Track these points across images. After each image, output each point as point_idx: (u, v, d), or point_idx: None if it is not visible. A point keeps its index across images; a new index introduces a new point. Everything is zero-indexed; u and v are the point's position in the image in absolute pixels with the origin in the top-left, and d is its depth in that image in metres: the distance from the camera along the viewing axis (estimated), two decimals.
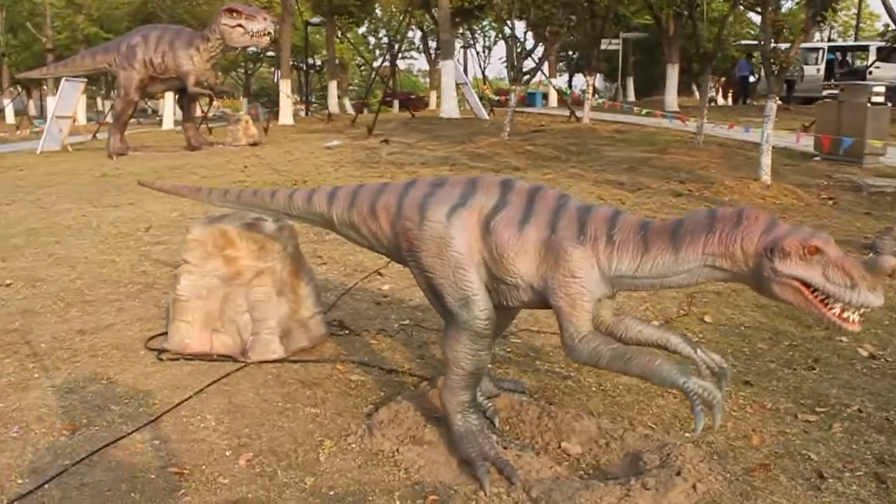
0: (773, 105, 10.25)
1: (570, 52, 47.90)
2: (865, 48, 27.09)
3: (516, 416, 4.16)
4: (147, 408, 4.45)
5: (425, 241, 3.64)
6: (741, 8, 17.23)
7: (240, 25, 18.41)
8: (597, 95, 33.09)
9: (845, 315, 2.97)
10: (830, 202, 10.28)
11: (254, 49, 52.00)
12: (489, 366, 4.46)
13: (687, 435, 3.98)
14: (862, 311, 2.93)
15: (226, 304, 5.24)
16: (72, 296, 6.75)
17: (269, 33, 18.35)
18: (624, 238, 3.35)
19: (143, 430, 4.16)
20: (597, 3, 18.32)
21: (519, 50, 17.30)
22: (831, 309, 2.97)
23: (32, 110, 49.02)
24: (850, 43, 30.65)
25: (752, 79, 29.07)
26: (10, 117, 38.84)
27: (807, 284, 2.98)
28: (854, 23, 37.96)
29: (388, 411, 4.15)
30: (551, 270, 3.42)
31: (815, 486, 3.51)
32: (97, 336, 5.69)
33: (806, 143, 14.52)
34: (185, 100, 20.56)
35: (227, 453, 3.94)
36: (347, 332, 5.66)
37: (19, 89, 45.03)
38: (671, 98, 25.01)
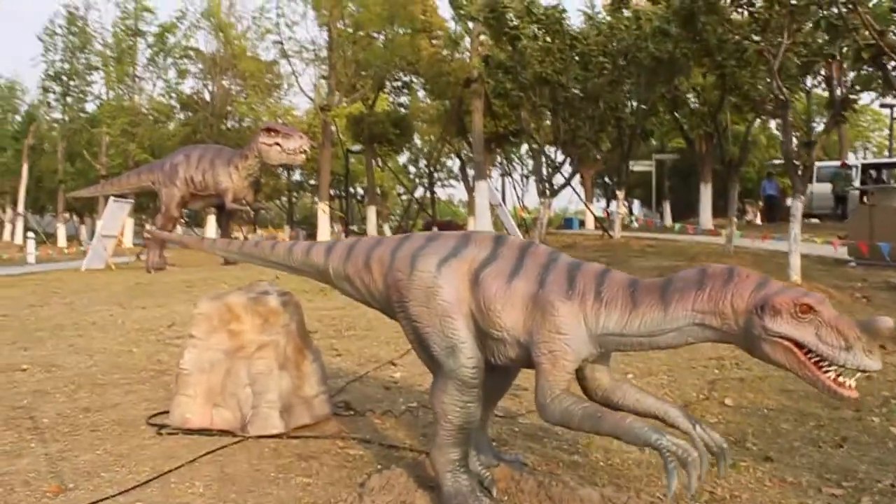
0: (798, 204, 10.14)
1: (607, 178, 48.62)
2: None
3: (515, 485, 3.92)
4: (136, 475, 4.30)
5: (414, 290, 3.56)
6: (764, 118, 17.37)
7: (277, 144, 19.13)
8: (632, 217, 33.28)
9: (841, 380, 2.77)
10: (864, 300, 9.98)
11: (298, 177, 53.69)
12: (490, 438, 4.26)
13: None
14: (857, 375, 2.74)
15: (228, 378, 5.14)
16: (84, 379, 6.70)
17: (304, 151, 18.96)
18: (613, 294, 3.23)
19: (128, 493, 4.00)
20: (623, 119, 18.62)
21: (547, 164, 17.55)
22: (826, 372, 2.78)
23: (83, 234, 50.68)
24: (884, 160, 30.60)
25: (781, 198, 29.10)
26: (61, 240, 40.07)
27: (799, 345, 2.80)
28: (888, 143, 38.09)
29: (381, 478, 3.95)
30: (538, 325, 3.29)
31: None
32: (101, 413, 5.60)
33: (842, 251, 14.29)
34: (224, 217, 21.13)
35: None
36: (352, 412, 5.49)
37: (71, 216, 46.78)
38: (706, 217, 24.98)
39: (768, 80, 11.45)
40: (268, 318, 5.20)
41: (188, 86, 58.60)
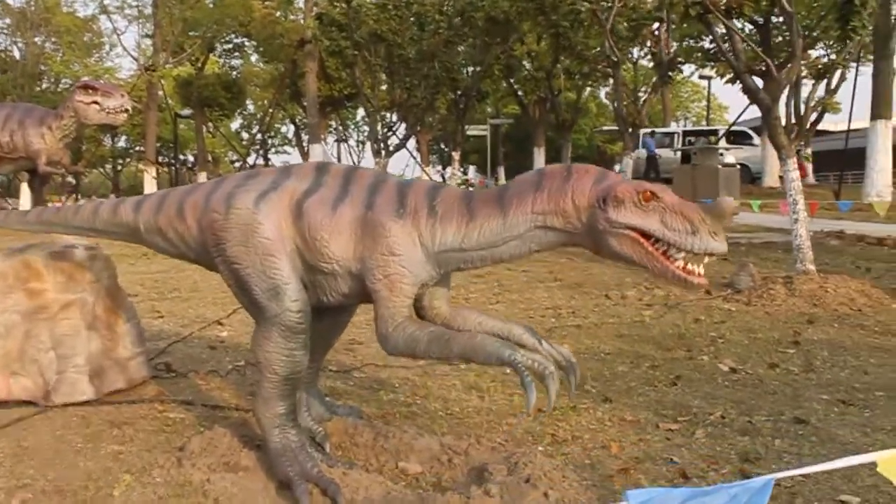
0: (628, 160, 10.41)
1: (443, 145, 48.97)
2: (716, 132, 28.82)
3: (350, 439, 3.67)
4: None
5: (231, 230, 3.19)
6: (593, 85, 17.84)
7: (95, 102, 17.76)
8: (465, 179, 33.64)
9: (690, 267, 2.66)
10: None
11: (123, 143, 50.71)
12: (321, 389, 3.98)
13: (540, 448, 3.58)
14: (705, 259, 2.66)
15: (27, 342, 4.55)
16: None
17: (126, 110, 17.70)
18: (447, 208, 2.99)
19: None
20: (459, 80, 18.59)
21: (382, 124, 17.27)
22: (674, 262, 2.67)
23: None
24: (703, 128, 32.46)
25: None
26: None
27: (645, 235, 2.67)
28: (705, 113, 40.52)
29: (202, 440, 3.58)
30: (369, 250, 3.02)
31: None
32: None
33: None
34: (37, 181, 19.47)
35: (1, 495, 3.26)
36: (174, 374, 5.05)
37: None
38: None
39: (601, 42, 11.67)
40: (72, 274, 4.66)
41: None
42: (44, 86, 38.64)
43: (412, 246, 2.99)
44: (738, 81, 9.19)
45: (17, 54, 37.47)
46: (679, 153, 25.30)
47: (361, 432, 3.69)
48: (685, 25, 10.16)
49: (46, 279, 4.62)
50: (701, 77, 32.55)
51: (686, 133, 28.94)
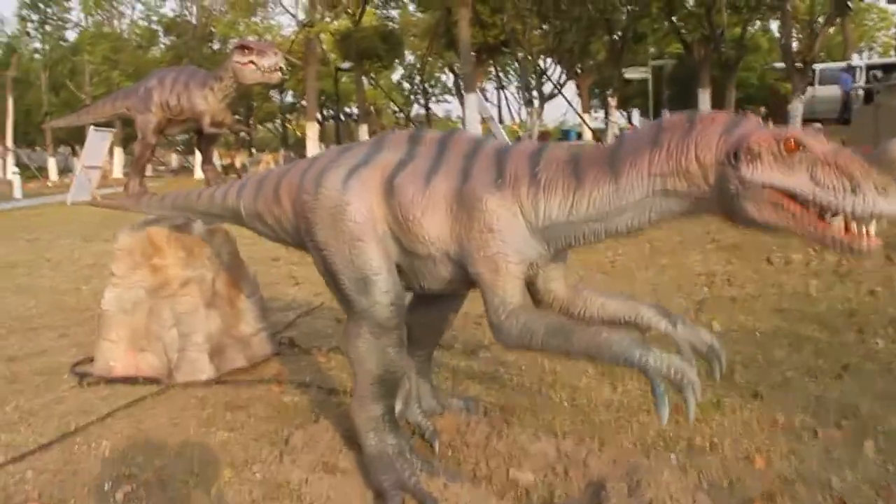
0: (799, 105, 9.40)
1: (605, 90, 47.32)
2: None
3: (461, 438, 3.38)
4: (40, 437, 3.76)
5: (319, 212, 2.91)
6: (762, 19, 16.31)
7: (251, 62, 18.25)
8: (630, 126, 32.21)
9: (854, 228, 2.07)
10: None
11: (290, 99, 52.44)
12: (433, 378, 3.69)
13: (672, 457, 3.14)
14: (873, 224, 2.06)
15: (151, 319, 4.56)
16: (18, 324, 6.19)
17: (280, 68, 18.09)
18: (551, 174, 2.56)
19: (19, 461, 3.46)
20: (614, 22, 17.58)
21: (533, 71, 16.63)
22: (831, 224, 2.09)
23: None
24: (889, 60, 29.33)
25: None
26: (53, 173, 39.25)
27: (790, 195, 2.12)
28: (894, 43, 36.74)
29: (304, 434, 3.43)
30: (466, 229, 2.64)
31: None
32: (25, 362, 5.09)
33: None
34: (203, 142, 20.36)
35: (107, 485, 3.22)
36: (297, 350, 4.93)
37: (62, 148, 45.91)
38: None
39: None
40: (192, 249, 4.61)
41: (170, 8, 56.81)
42: (215, 47, 40.37)
43: (513, 220, 2.59)
44: None
45: (192, 19, 39.28)
46: (861, 92, 23.03)
47: (474, 430, 3.40)
48: None
49: (168, 255, 4.59)
50: (889, 1, 29.36)
51: (870, 67, 26.28)
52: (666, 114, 31.93)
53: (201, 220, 4.34)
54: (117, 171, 34.10)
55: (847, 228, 2.08)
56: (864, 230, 2.08)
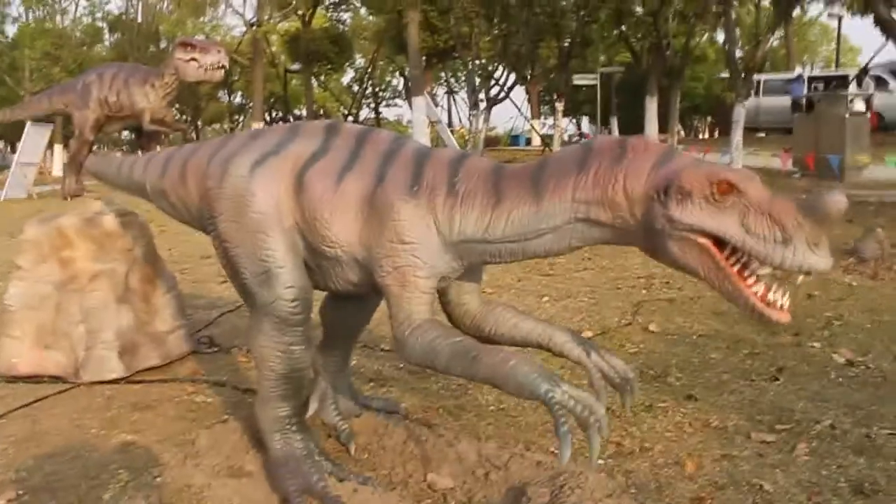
0: (741, 110, 9.42)
1: (554, 96, 47.53)
2: (844, 77, 26.42)
3: (378, 441, 3.18)
4: None
5: (223, 200, 2.70)
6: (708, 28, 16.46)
7: (194, 59, 17.74)
8: (581, 133, 32.35)
9: (771, 297, 1.99)
10: None
11: (240, 100, 51.68)
12: (351, 379, 3.48)
13: (600, 462, 2.97)
14: (800, 278, 1.96)
15: (58, 314, 4.27)
16: None
17: (223, 66, 17.65)
18: (470, 187, 2.38)
19: None
20: (563, 27, 17.57)
21: (480, 75, 16.52)
22: (751, 285, 1.98)
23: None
24: (831, 73, 29.97)
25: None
26: None
27: (718, 241, 2.00)
28: (835, 56, 37.55)
29: (210, 436, 3.19)
30: (376, 235, 2.45)
31: None
32: None
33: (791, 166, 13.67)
34: (144, 140, 19.75)
35: None
36: (216, 349, 4.68)
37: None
38: (651, 131, 24.16)
39: None
40: (103, 242, 4.33)
41: (115, 5, 55.67)
42: (161, 46, 39.58)
43: (426, 231, 2.40)
44: (870, 12, 8.03)
45: (138, 17, 38.43)
46: (804, 101, 23.44)
47: (392, 433, 3.20)
48: None
49: (78, 247, 4.32)
50: (830, 15, 30.07)
51: (812, 79, 26.77)
52: (614, 121, 32.19)
53: (120, 190, 4.08)
54: (56, 169, 33.13)
55: (764, 295, 2.00)
56: (778, 300, 2.00)
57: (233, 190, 2.66)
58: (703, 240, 2.01)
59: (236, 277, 2.72)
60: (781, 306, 2.01)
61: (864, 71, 21.55)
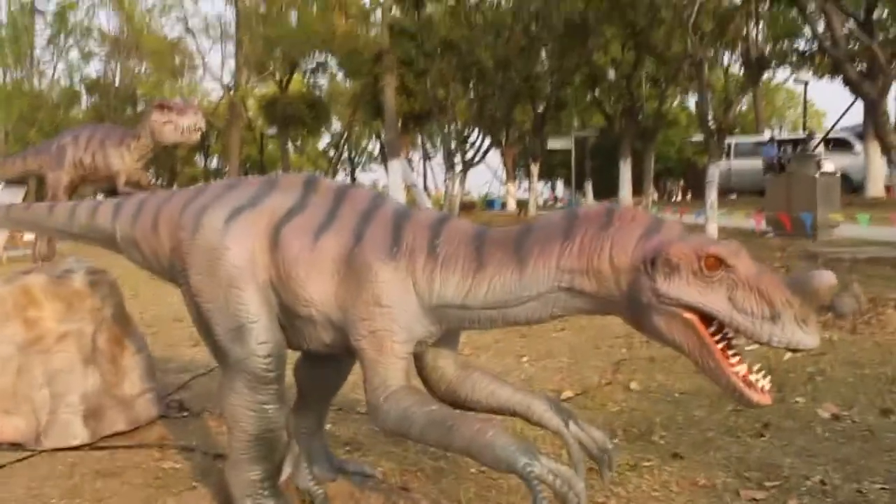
0: (714, 170, 9.53)
1: (530, 160, 48.07)
2: (810, 139, 26.99)
3: None
4: None
5: (195, 253, 2.61)
6: (680, 90, 16.80)
7: (170, 121, 17.82)
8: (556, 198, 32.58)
9: (752, 378, 1.98)
10: (783, 269, 9.39)
11: (215, 164, 51.80)
12: (326, 442, 3.36)
13: None
14: (787, 355, 1.95)
15: (20, 377, 4.11)
16: None
17: (199, 128, 17.72)
18: (452, 251, 2.33)
19: None
20: (538, 90, 17.84)
21: (455, 138, 16.67)
22: (734, 364, 1.97)
23: None
24: (798, 136, 30.68)
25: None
26: None
27: (704, 316, 1.97)
28: (802, 120, 38.52)
29: (179, 503, 3.02)
30: (352, 297, 2.38)
31: None
32: None
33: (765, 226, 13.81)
34: None
35: None
36: (186, 413, 4.52)
37: None
38: (625, 194, 24.45)
39: (685, 42, 10.79)
40: (71, 301, 4.20)
41: (94, 69, 56.04)
42: (139, 108, 39.73)
43: (405, 295, 2.34)
44: (838, 74, 8.19)
45: (115, 81, 38.64)
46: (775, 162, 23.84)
47: (368, 498, 3.08)
48: (779, 7, 9.23)
49: (45, 307, 4.18)
50: (796, 81, 30.86)
51: (780, 142, 27.35)
52: (589, 185, 32.49)
53: (49, 235, 3.96)
54: (28, 234, 32.85)
55: (746, 376, 1.99)
56: (759, 382, 2.00)
57: (206, 243, 2.59)
58: (688, 315, 1.99)
59: (208, 334, 2.62)
60: (762, 388, 2.00)
61: (810, 136, 22.24)
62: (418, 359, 2.58)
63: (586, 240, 2.12)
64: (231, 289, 2.52)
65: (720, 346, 1.99)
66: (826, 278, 1.90)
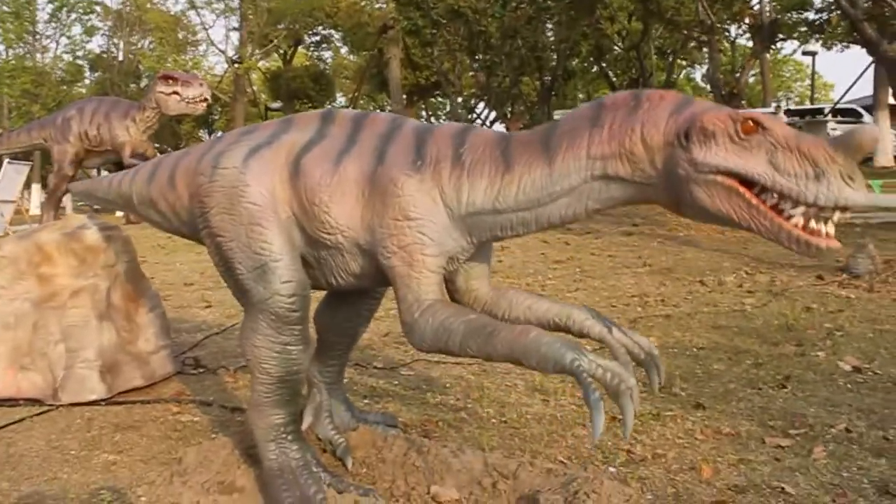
0: None
1: None
2: (821, 111, 26.89)
3: (377, 454, 3.01)
4: None
5: (215, 194, 2.56)
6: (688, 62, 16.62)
7: (175, 93, 17.56)
8: None
9: (813, 226, 1.83)
10: None
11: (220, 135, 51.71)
12: (347, 393, 3.33)
13: (612, 470, 2.83)
14: (836, 216, 1.84)
15: (36, 333, 4.08)
16: None
17: (205, 99, 17.52)
18: (477, 157, 2.25)
19: None
20: (544, 59, 17.67)
21: (463, 107, 16.55)
22: (789, 217, 1.85)
23: None
24: (806, 107, 30.48)
25: None
26: None
27: (746, 181, 1.87)
28: (809, 92, 38.22)
29: (198, 453, 2.99)
30: (379, 215, 2.31)
31: None
32: None
33: None
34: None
35: None
36: (202, 370, 4.50)
37: None
38: None
39: (694, 10, 10.65)
40: (84, 257, 4.16)
41: (97, 44, 55.72)
42: (142, 83, 39.55)
43: (433, 207, 2.27)
44: (851, 41, 8.06)
45: (119, 56, 38.41)
46: None
47: (391, 445, 3.03)
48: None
49: (58, 263, 4.14)
50: (804, 53, 30.59)
51: (788, 112, 27.22)
52: None
53: (108, 207, 3.96)
54: (34, 208, 32.76)
55: (805, 225, 1.84)
56: (821, 228, 1.84)
57: (225, 182, 2.54)
58: (730, 181, 1.88)
59: (230, 275, 2.58)
60: (827, 234, 1.84)
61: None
62: (450, 282, 2.51)
63: (616, 124, 2.04)
64: (253, 227, 2.48)
65: (767, 204, 1.87)
66: (868, 130, 1.80)
